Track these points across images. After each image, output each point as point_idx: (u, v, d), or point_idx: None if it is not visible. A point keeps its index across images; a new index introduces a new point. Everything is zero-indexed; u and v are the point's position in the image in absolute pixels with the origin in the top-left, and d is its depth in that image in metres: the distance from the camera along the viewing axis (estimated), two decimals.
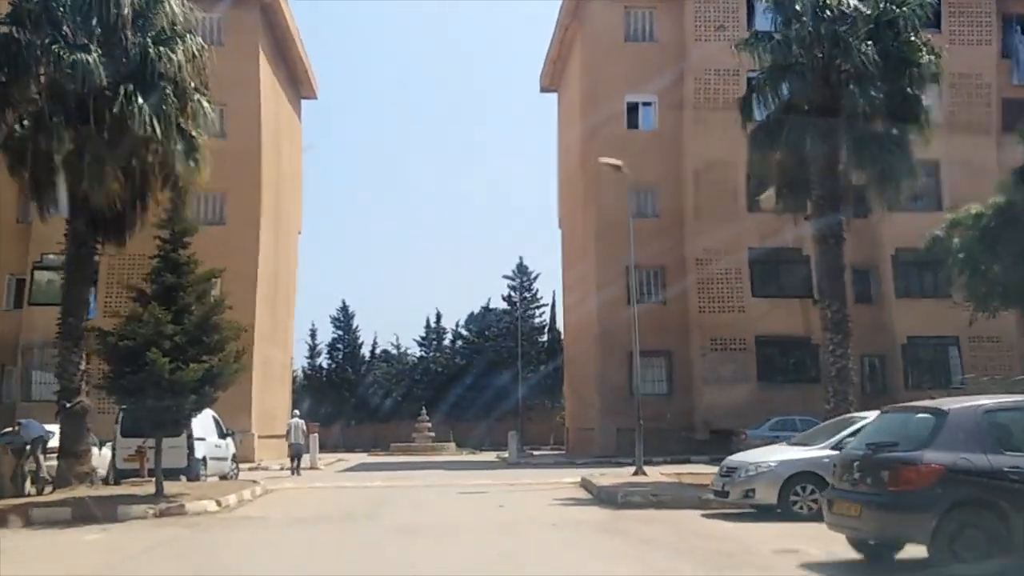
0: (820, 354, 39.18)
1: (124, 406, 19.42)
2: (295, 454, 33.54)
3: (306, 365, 65.44)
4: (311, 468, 35.76)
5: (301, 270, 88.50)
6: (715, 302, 38.16)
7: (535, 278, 63.37)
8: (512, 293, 63.53)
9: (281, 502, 21.20)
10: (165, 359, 18.21)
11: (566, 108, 46.23)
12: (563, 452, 46.79)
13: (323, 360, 65.50)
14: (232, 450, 28.26)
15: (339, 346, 65.11)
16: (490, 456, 49.02)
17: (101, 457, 25.02)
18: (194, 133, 21.11)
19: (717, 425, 37.31)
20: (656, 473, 25.60)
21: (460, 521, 17.01)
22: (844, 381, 22.31)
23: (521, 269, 63.25)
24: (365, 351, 65.50)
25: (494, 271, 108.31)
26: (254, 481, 24.17)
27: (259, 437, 38.99)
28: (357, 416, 62.96)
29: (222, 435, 27.40)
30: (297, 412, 36.30)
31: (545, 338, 63.32)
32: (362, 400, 62.76)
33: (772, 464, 16.49)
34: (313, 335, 65.53)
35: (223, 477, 27.20)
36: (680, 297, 38.56)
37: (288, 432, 34.53)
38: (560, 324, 63.52)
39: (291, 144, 46.07)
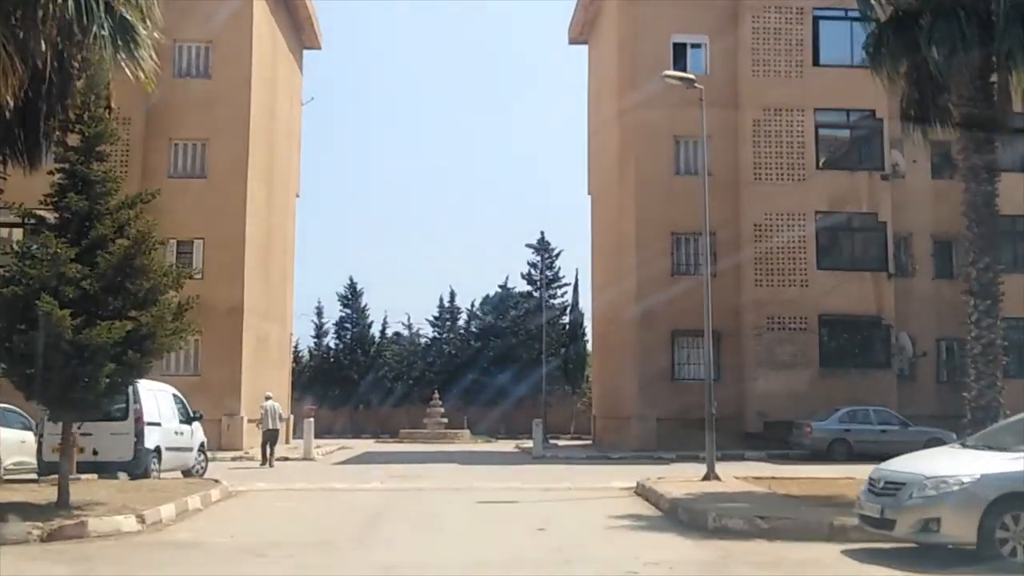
0: (892, 336, 33.62)
1: (14, 378, 13.54)
2: (268, 442, 28.07)
3: (312, 345, 59.82)
4: (304, 459, 29.95)
5: (304, 242, 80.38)
6: (774, 274, 32.15)
7: (557, 255, 57.56)
8: (532, 271, 57.60)
9: (239, 514, 15.32)
10: (65, 312, 12.36)
11: (599, 58, 40.15)
12: (589, 443, 40.85)
13: (330, 340, 59.71)
14: (201, 438, 22.39)
15: (347, 325, 59.26)
16: (506, 445, 43.23)
17: (27, 447, 19.29)
18: (127, 14, 15.04)
19: (772, 415, 31.38)
20: (728, 476, 19.52)
21: (489, 559, 11.08)
22: (992, 361, 16.19)
23: (543, 244, 57.29)
24: (374, 331, 59.73)
25: (513, 247, 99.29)
26: (216, 481, 18.26)
27: (250, 422, 33.19)
28: (365, 400, 57.17)
29: (187, 419, 21.52)
30: (270, 394, 30.43)
31: (567, 319, 57.35)
32: (371, 383, 56.96)
33: (967, 480, 10.47)
34: (319, 313, 59.89)
35: (187, 472, 21.42)
36: (732, 269, 32.52)
37: (261, 417, 28.96)
38: (584, 304, 57.66)
39: (289, 96, 40.11)
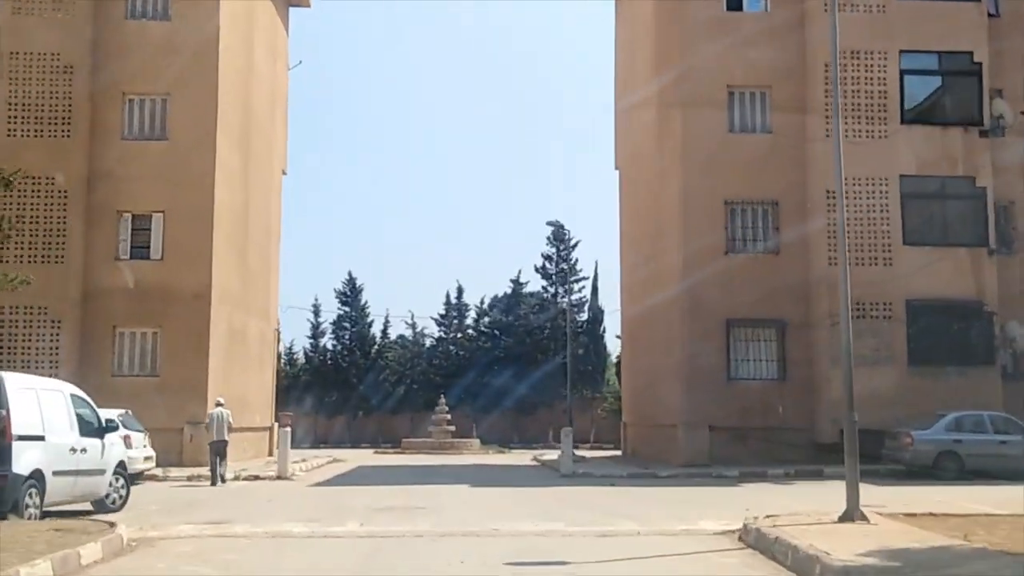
0: (995, 325, 27.03)
1: None
2: (217, 455, 22.56)
3: (308, 346, 53.23)
4: (279, 478, 23.54)
5: (297, 231, 74.50)
6: (852, 251, 25.55)
7: (574, 246, 51.05)
8: (547, 263, 51.01)
9: None
10: None
11: (630, 6, 33.78)
12: (618, 453, 34.38)
13: (327, 341, 53.15)
14: (119, 456, 15.91)
15: (345, 324, 52.80)
16: (521, 457, 36.85)
17: None
18: None
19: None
20: (873, 515, 12.98)
21: None
22: None
23: (558, 235, 50.82)
24: (375, 331, 53.18)
25: (526, 238, 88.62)
26: (110, 525, 11.70)
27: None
28: (365, 406, 50.73)
29: (96, 431, 15.04)
30: (221, 400, 24.19)
31: (585, 316, 50.86)
32: (371, 387, 50.55)
33: None
34: (316, 311, 53.37)
35: (98, 504, 15.09)
36: (800, 245, 26.15)
37: (208, 425, 23.18)
38: (605, 298, 51.20)
39: (272, 56, 33.78)
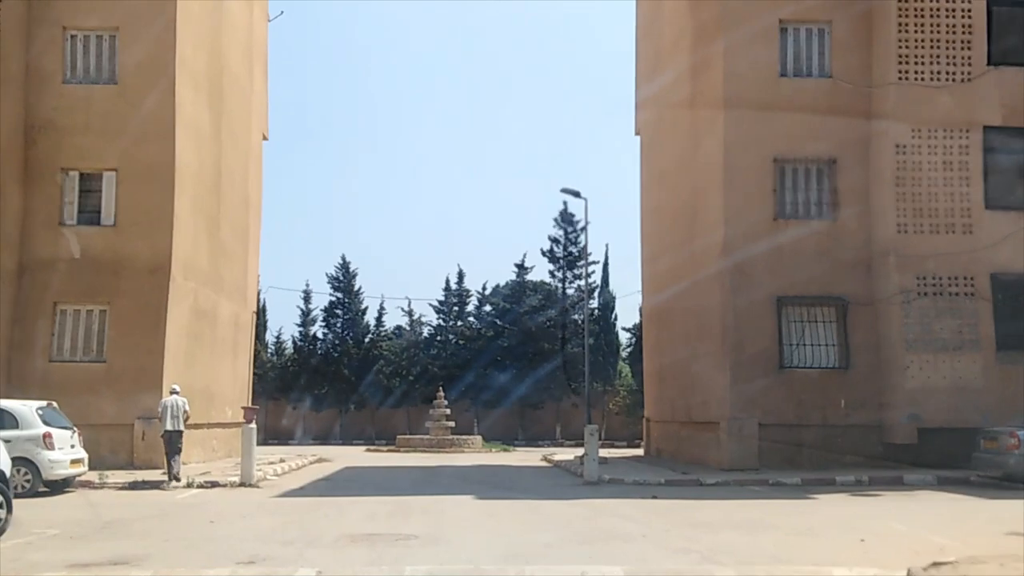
0: None
1: None
2: (172, 450, 19.26)
3: (298, 336, 48.67)
4: (242, 484, 19.04)
5: (288, 213, 68.31)
6: (925, 216, 21.20)
7: (583, 228, 46.36)
8: (555, 247, 46.35)
9: None
10: None
11: None
12: (641, 455, 29.90)
13: (318, 329, 48.60)
14: (2, 465, 11.41)
15: (337, 312, 48.26)
16: (529, 456, 32.48)
17: None
18: None
19: (931, 419, 20.52)
20: None
21: None
22: None
23: (565, 218, 46.31)
24: (370, 318, 48.56)
25: (531, 220, 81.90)
26: None
27: (192, 426, 22.60)
28: (358, 400, 46.22)
29: None
30: (177, 387, 20.15)
31: (595, 304, 46.29)
32: (365, 379, 46.04)
33: None
34: (307, 298, 48.77)
35: None
36: (863, 209, 21.68)
37: (161, 415, 19.68)
38: (616, 284, 46.66)
39: (247, 2, 29.22)
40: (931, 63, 21.15)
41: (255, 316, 30.56)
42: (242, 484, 18.95)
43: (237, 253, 27.97)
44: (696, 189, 24.16)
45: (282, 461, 25.94)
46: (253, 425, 19.68)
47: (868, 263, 21.53)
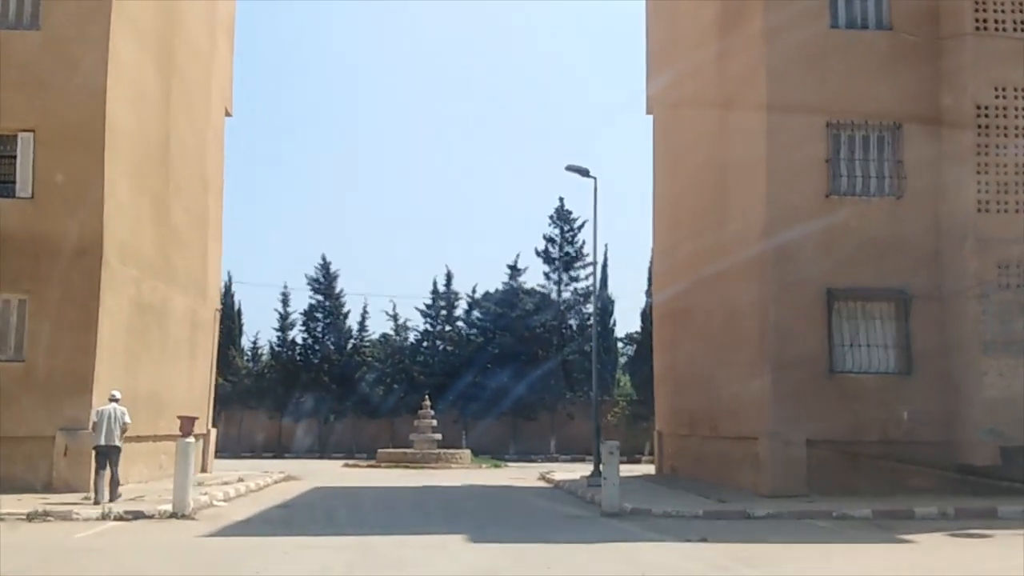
0: None
1: None
2: (102, 466, 16.00)
3: (275, 340, 44.35)
4: (173, 516, 14.84)
5: (263, 210, 64.09)
6: (1010, 192, 17.25)
7: (580, 227, 42.40)
8: (550, 247, 42.21)
9: None
10: None
11: None
12: (652, 473, 25.81)
13: (296, 333, 44.29)
14: None
15: (317, 315, 44.06)
16: (523, 473, 28.53)
17: None
18: None
19: (1013, 435, 16.57)
20: None
21: None
22: None
23: (562, 215, 42.24)
24: (352, 323, 44.35)
25: (524, 218, 75.13)
26: None
27: (135, 438, 18.49)
28: (340, 409, 41.93)
29: None
30: (117, 394, 16.44)
31: (590, 307, 42.21)
32: (347, 388, 41.81)
33: None
34: (284, 301, 44.44)
35: None
36: (932, 183, 17.75)
37: (96, 425, 16.27)
38: (613, 288, 42.55)
39: None
40: (1015, 9, 17.26)
41: (218, 314, 26.36)
42: (174, 515, 14.79)
43: (193, 241, 23.83)
44: (727, 165, 20.18)
45: (241, 481, 21.81)
46: (191, 439, 15.56)
47: (938, 249, 17.60)
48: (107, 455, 16.04)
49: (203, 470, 25.04)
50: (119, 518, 14.36)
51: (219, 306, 26.33)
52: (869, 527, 13.75)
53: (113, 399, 16.55)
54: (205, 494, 17.62)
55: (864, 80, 17.90)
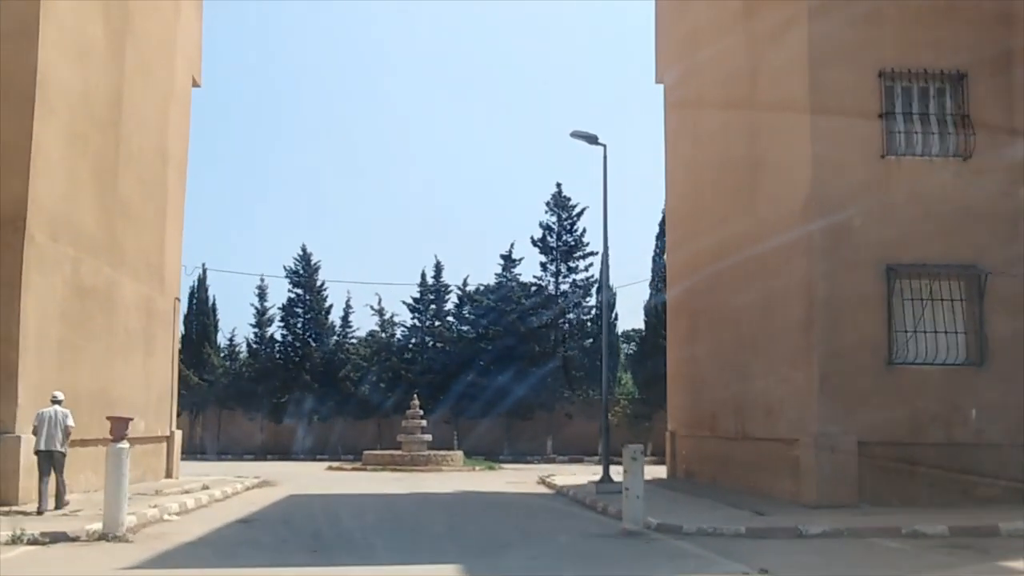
0: None
1: None
2: (45, 472, 13.87)
3: (253, 337, 41.38)
4: (103, 537, 11.93)
5: (238, 195, 61.09)
6: None
7: (579, 214, 39.51)
8: (548, 235, 39.24)
9: None
10: None
11: None
12: (664, 478, 22.97)
13: (275, 330, 41.35)
14: None
15: (297, 310, 41.17)
16: (520, 476, 25.86)
17: None
18: None
19: None
20: None
21: None
22: None
23: (559, 202, 39.37)
24: (334, 318, 41.46)
25: (519, 205, 70.81)
26: None
27: (79, 442, 15.54)
28: (324, 410, 39.02)
29: None
30: (59, 395, 14.02)
31: (592, 301, 39.40)
32: (331, 387, 38.92)
33: None
34: (261, 295, 41.46)
35: None
36: (1006, 140, 14.99)
37: (37, 429, 14.01)
38: (615, 279, 39.73)
39: None
40: None
41: (178, 303, 23.42)
42: (103, 536, 11.91)
43: (148, 220, 20.91)
44: (759, 128, 17.41)
45: (205, 488, 19.00)
46: (124, 444, 12.62)
47: (1015, 217, 14.83)
48: (50, 461, 13.87)
49: (168, 475, 22.26)
50: (33, 541, 11.48)
51: (178, 295, 23.37)
52: (953, 548, 11.00)
53: (55, 400, 14.17)
54: (155, 506, 14.79)
55: (923, 22, 15.18)
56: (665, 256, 24.64)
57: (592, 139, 19.15)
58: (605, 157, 19.16)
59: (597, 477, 21.89)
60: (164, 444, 22.31)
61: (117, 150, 18.82)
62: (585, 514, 15.47)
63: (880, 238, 14.79)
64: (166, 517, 14.42)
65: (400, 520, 14.81)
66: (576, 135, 19.18)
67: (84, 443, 16.34)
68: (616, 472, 19.36)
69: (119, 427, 13.21)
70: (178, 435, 23.11)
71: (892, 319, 14.77)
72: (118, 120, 18.81)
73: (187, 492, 17.95)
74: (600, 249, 38.91)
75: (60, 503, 13.99)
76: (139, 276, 20.40)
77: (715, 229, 19.60)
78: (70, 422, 14.22)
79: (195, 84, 24.16)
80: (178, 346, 23.95)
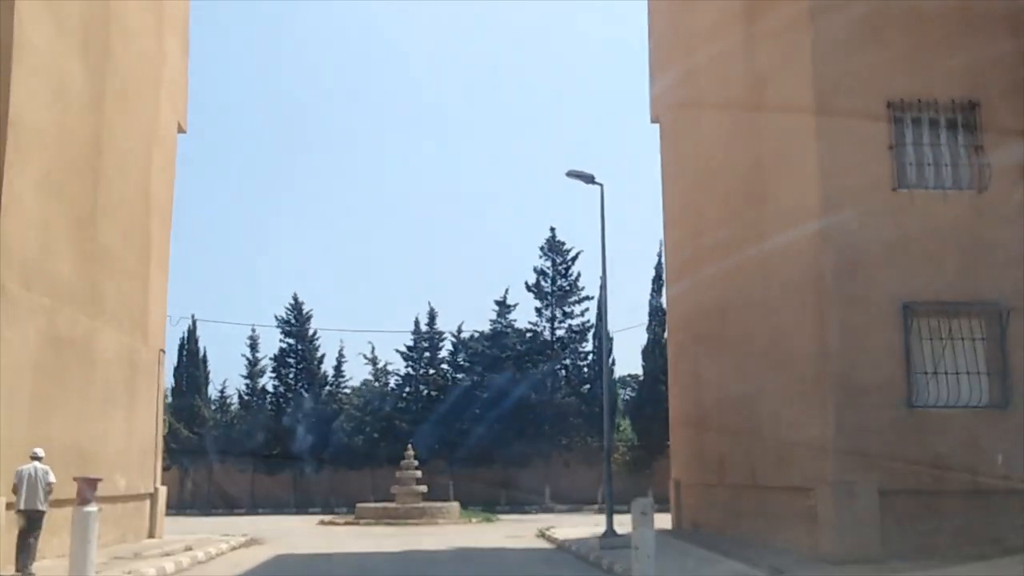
0: None
1: None
2: (25, 533, 13.05)
3: (244, 388, 40.38)
4: None
5: (226, 244, 60.00)
6: None
7: (574, 258, 38.78)
8: (542, 280, 38.34)
9: None
10: None
11: None
12: (669, 529, 21.93)
13: (267, 381, 40.32)
14: None
15: (289, 360, 40.22)
16: (519, 529, 24.94)
17: None
18: None
19: None
20: None
21: None
22: None
23: (553, 246, 38.67)
24: (327, 368, 40.43)
25: (513, 250, 67.60)
26: None
27: (53, 504, 14.49)
28: (316, 461, 37.92)
29: None
30: (39, 451, 13.03)
31: (589, 346, 38.54)
32: (324, 438, 37.86)
33: None
34: (253, 346, 40.54)
35: None
36: (1018, 170, 14.27)
37: (17, 487, 13.14)
38: (612, 323, 38.90)
39: None
40: None
41: (163, 355, 22.48)
42: None
43: (131, 268, 20.05)
44: (761, 164, 16.70)
45: (189, 550, 17.95)
46: (93, 507, 11.76)
47: None
48: (30, 520, 13.06)
49: (151, 535, 21.15)
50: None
51: (163, 346, 22.46)
52: None
53: (35, 457, 13.39)
54: (130, 573, 13.77)
55: (932, 49, 14.54)
56: (664, 297, 23.70)
57: (589, 179, 18.44)
58: (602, 196, 18.47)
59: (599, 529, 20.91)
60: (147, 502, 21.21)
61: (96, 197, 18.00)
62: (589, 573, 14.44)
63: (894, 274, 14.01)
64: None
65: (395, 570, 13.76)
66: (572, 175, 18.47)
67: (58, 504, 15.32)
68: (620, 524, 18.44)
69: (86, 489, 12.28)
70: (162, 492, 22.02)
71: (911, 359, 13.93)
72: (97, 165, 18.03)
73: (168, 555, 16.88)
74: (596, 294, 38.67)
75: (27, 572, 13.00)
76: (121, 326, 19.48)
77: (717, 266, 18.82)
78: (51, 478, 13.41)
79: (181, 130, 23.45)
80: (163, 399, 22.95)
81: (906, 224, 14.07)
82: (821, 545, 13.93)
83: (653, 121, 23.66)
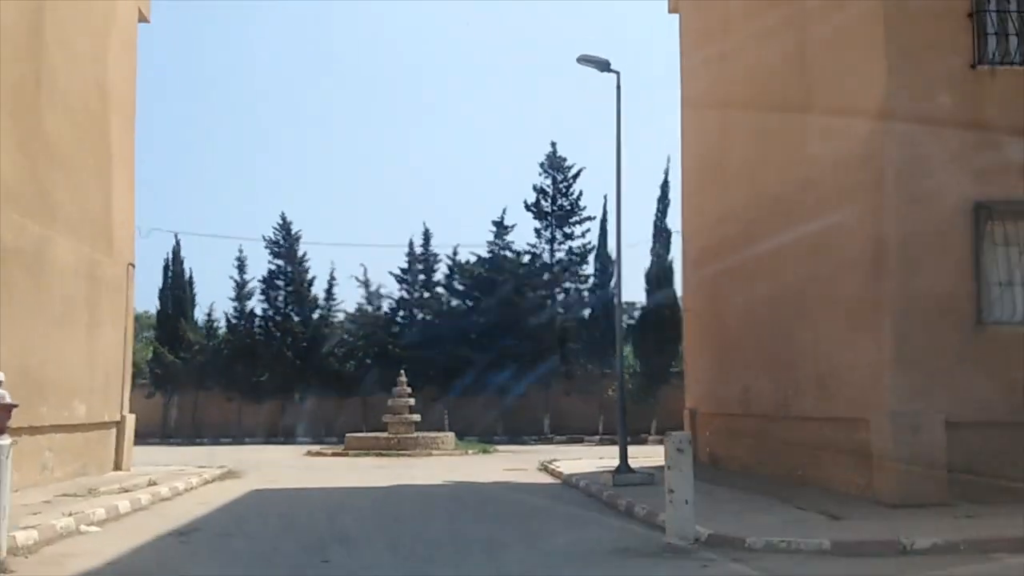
0: None
1: None
2: None
3: (231, 311, 38.19)
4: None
5: (212, 159, 57.36)
6: None
7: (575, 176, 36.34)
8: (542, 199, 36.02)
9: None
10: None
11: None
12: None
13: (255, 304, 38.16)
14: None
15: (278, 283, 38.02)
16: (518, 461, 23.04)
17: None
18: None
19: None
20: None
21: None
22: None
23: (554, 163, 36.23)
24: (317, 290, 38.25)
25: (511, 166, 65.97)
26: None
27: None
28: (306, 388, 35.92)
29: None
30: None
31: (591, 269, 36.35)
32: (314, 364, 35.81)
33: None
34: (240, 267, 38.23)
35: None
36: None
37: None
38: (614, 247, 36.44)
39: None
40: None
41: (132, 269, 20.15)
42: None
43: (88, 169, 17.67)
44: (806, 42, 14.23)
45: (152, 484, 15.91)
46: (6, 439, 9.53)
47: None
48: None
49: (117, 467, 19.13)
50: None
51: (133, 260, 20.14)
52: None
53: None
54: (72, 514, 11.66)
55: None
56: (674, 217, 21.40)
57: (604, 65, 15.91)
58: (619, 86, 15.93)
59: (603, 462, 19.03)
60: (112, 431, 19.15)
61: (38, 85, 15.55)
62: (607, 518, 12.37)
63: (967, 169, 11.72)
64: (83, 529, 11.30)
65: (376, 532, 11.70)
66: (584, 60, 15.96)
67: (12, 431, 13.20)
68: (634, 458, 16.41)
69: (1, 415, 10.07)
70: (130, 420, 19.88)
71: (981, 269, 11.70)
72: (37, 47, 15.52)
73: (127, 491, 14.80)
74: (598, 214, 36.36)
75: None
76: (79, 236, 17.17)
77: (749, 163, 16.48)
78: (8, 400, 11.27)
79: (143, 18, 20.80)
80: (132, 318, 20.70)
81: (985, 109, 11.72)
82: (876, 485, 11.88)
83: (671, 11, 21.05)
